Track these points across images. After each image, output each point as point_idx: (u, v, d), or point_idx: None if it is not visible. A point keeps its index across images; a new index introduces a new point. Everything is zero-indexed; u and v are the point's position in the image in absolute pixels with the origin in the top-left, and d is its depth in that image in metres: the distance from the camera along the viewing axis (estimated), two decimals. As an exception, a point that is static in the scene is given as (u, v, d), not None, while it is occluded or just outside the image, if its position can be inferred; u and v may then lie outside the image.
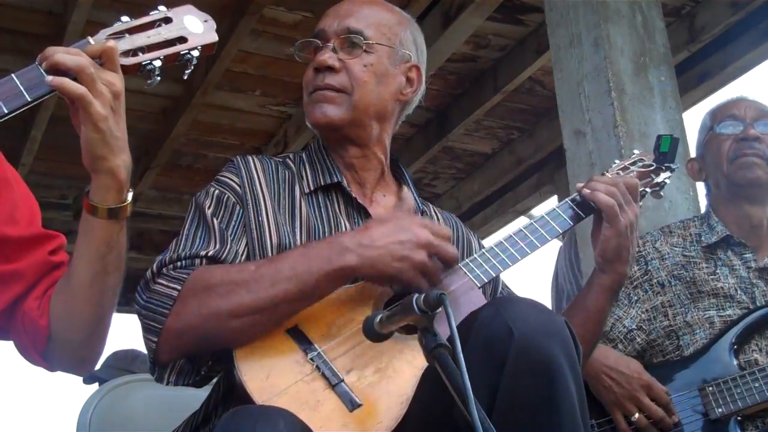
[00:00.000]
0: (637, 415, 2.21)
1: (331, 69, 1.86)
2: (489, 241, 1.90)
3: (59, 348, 1.68)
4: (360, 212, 1.86)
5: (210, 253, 1.69)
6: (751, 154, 2.44)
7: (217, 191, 1.81)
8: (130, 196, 1.58)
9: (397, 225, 1.68)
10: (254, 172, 1.84)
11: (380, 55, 1.89)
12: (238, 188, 1.81)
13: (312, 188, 1.86)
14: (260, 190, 1.81)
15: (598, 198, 1.91)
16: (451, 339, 1.30)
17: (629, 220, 1.89)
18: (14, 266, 1.67)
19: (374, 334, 1.48)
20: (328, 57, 1.87)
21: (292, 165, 1.90)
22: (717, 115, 2.56)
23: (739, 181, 2.46)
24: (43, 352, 1.69)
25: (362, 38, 1.88)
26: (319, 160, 1.91)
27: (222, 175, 1.85)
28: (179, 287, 1.63)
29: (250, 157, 1.87)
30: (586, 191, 1.94)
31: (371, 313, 1.64)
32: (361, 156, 1.92)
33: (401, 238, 1.65)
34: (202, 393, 1.77)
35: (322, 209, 1.84)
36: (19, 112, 1.46)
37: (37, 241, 1.72)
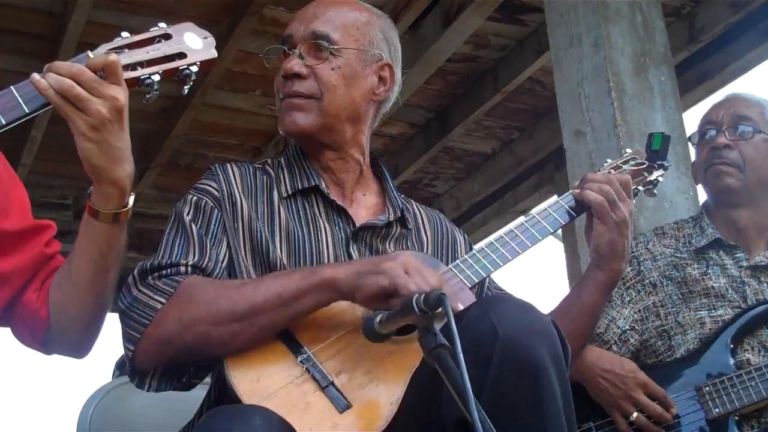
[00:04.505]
0: (635, 414, 2.21)
1: (298, 76, 1.85)
2: (487, 241, 1.90)
3: (58, 336, 1.72)
4: (340, 214, 1.86)
5: (191, 262, 1.69)
6: (719, 163, 2.45)
7: (195, 198, 1.80)
8: (131, 200, 1.60)
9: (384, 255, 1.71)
10: (232, 177, 1.84)
11: (348, 58, 1.87)
12: (216, 192, 1.81)
13: (290, 192, 1.85)
14: (238, 195, 1.81)
15: (587, 196, 1.92)
16: (450, 339, 1.30)
17: (622, 216, 1.89)
18: (11, 263, 1.69)
19: (374, 334, 1.49)
20: (294, 64, 1.86)
21: (270, 170, 1.90)
22: (701, 121, 2.58)
23: (713, 189, 2.50)
24: (42, 339, 1.73)
25: (328, 42, 1.86)
26: (297, 164, 1.90)
27: (200, 183, 1.84)
28: (164, 299, 1.63)
29: (228, 164, 1.88)
30: (576, 191, 1.95)
31: (361, 316, 1.64)
32: (337, 158, 1.91)
33: (386, 257, 1.66)
34: (202, 393, 1.77)
35: (301, 212, 1.84)
36: (17, 123, 1.48)
37: (31, 234, 1.74)
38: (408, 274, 1.58)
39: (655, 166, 2.14)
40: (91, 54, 1.54)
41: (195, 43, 1.65)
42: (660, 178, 2.15)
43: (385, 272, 1.58)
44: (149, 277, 1.67)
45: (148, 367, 1.66)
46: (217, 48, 1.70)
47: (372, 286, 1.58)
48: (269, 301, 1.60)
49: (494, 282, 2.01)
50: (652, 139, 2.14)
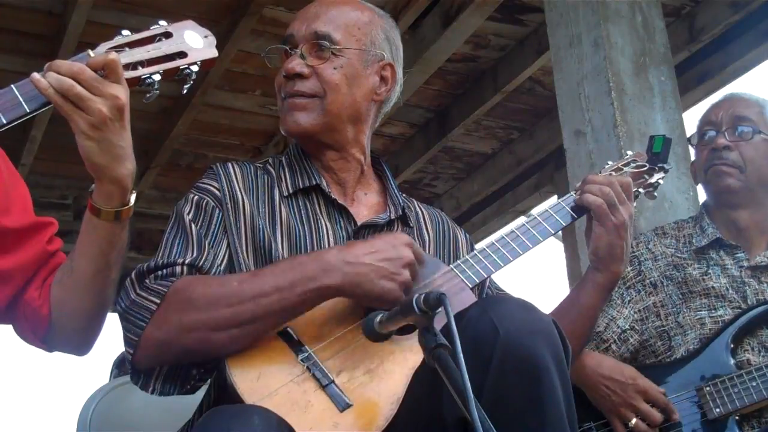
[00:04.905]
0: (634, 420, 2.21)
1: (300, 76, 1.85)
2: (488, 241, 1.90)
3: (60, 333, 1.72)
4: (341, 212, 1.86)
5: (187, 261, 1.68)
6: (720, 164, 2.44)
7: (196, 197, 1.80)
8: (132, 198, 1.60)
9: (383, 242, 1.68)
10: (233, 176, 1.83)
11: (350, 58, 1.87)
12: (217, 192, 1.80)
13: (291, 191, 1.85)
14: (240, 194, 1.80)
15: (586, 198, 1.93)
16: (450, 339, 1.30)
17: (622, 219, 1.89)
18: (13, 260, 1.69)
19: (374, 334, 1.48)
20: (296, 64, 1.85)
21: (272, 170, 1.90)
22: (700, 122, 2.58)
23: (714, 189, 2.50)
24: (43, 336, 1.72)
25: (330, 42, 1.86)
26: (298, 164, 1.90)
27: (201, 182, 1.84)
28: (158, 300, 1.62)
29: (229, 164, 1.87)
30: (577, 193, 1.95)
31: (362, 315, 1.64)
32: (338, 158, 1.91)
33: (388, 255, 1.65)
34: (203, 393, 1.77)
35: (302, 211, 1.84)
36: (18, 122, 1.48)
37: (33, 231, 1.74)
38: (406, 293, 1.62)
39: (656, 168, 2.14)
40: (91, 53, 1.54)
41: (195, 42, 1.65)
42: (661, 181, 2.15)
43: (389, 302, 1.60)
44: (146, 279, 1.67)
45: (148, 368, 1.66)
46: (217, 48, 1.69)
47: (373, 304, 1.62)
48: (270, 308, 1.60)
49: (494, 282, 2.01)
50: (654, 142, 2.14)
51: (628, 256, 1.95)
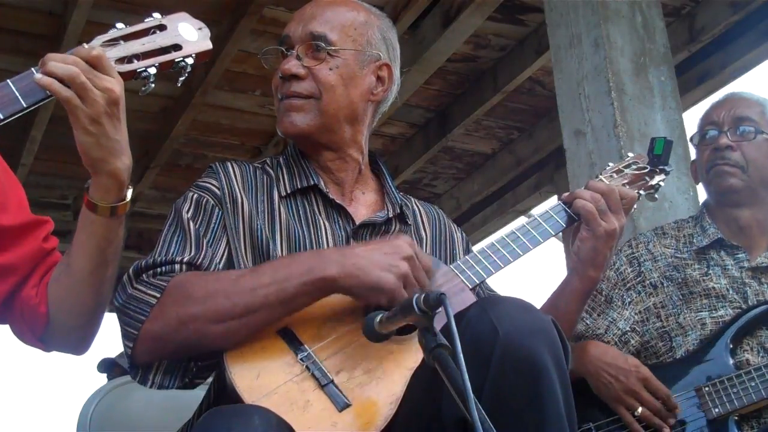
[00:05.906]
0: (640, 409, 2.21)
1: (296, 77, 1.86)
2: (488, 242, 1.90)
3: (58, 332, 1.72)
4: (340, 212, 1.86)
5: (186, 259, 1.69)
6: (722, 164, 2.44)
7: (196, 195, 1.80)
8: (129, 193, 1.60)
9: (383, 241, 1.70)
10: (233, 175, 1.84)
11: (346, 58, 1.87)
12: (217, 191, 1.80)
13: (289, 191, 1.85)
14: (239, 193, 1.81)
15: (575, 204, 1.93)
16: (450, 339, 1.30)
17: (612, 227, 1.89)
18: (10, 257, 1.69)
19: (374, 334, 1.48)
20: (292, 65, 1.86)
21: (270, 170, 1.90)
22: (702, 121, 2.57)
23: (715, 189, 2.49)
24: (41, 335, 1.72)
25: (326, 43, 1.86)
26: (296, 164, 1.90)
27: (201, 180, 1.84)
28: (158, 294, 1.63)
29: (228, 163, 1.88)
30: (568, 196, 1.95)
31: (362, 314, 1.64)
32: (336, 159, 1.91)
33: (385, 250, 1.65)
34: (202, 393, 1.77)
35: (301, 211, 1.84)
36: (15, 118, 1.47)
37: (29, 229, 1.74)
38: (406, 288, 1.61)
39: (657, 170, 2.14)
40: (86, 46, 1.54)
41: (190, 35, 1.64)
42: (662, 183, 2.15)
43: (385, 292, 1.60)
44: (144, 275, 1.67)
45: (146, 363, 1.66)
46: (217, 48, 1.69)
47: (370, 300, 1.62)
48: (267, 299, 1.60)
49: (486, 283, 2.01)
50: (655, 144, 2.14)
51: (609, 264, 1.95)
